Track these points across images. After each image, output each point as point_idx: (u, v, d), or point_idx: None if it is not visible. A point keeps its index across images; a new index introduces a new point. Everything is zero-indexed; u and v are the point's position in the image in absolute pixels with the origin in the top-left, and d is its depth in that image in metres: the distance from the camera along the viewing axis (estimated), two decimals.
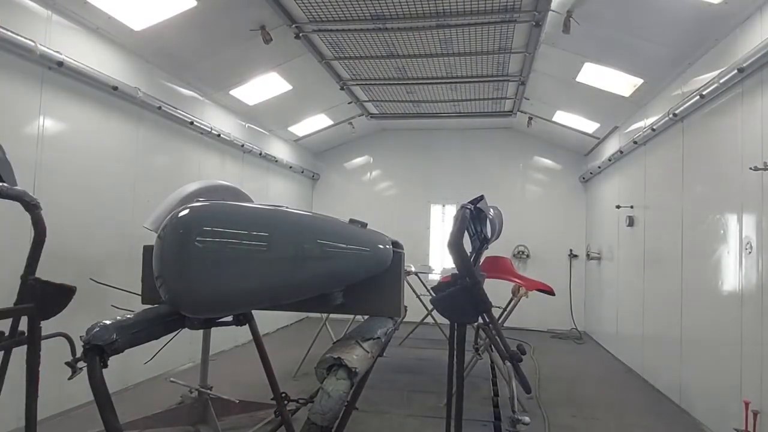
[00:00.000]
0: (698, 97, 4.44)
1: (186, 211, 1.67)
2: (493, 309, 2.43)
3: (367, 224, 1.89)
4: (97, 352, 1.67)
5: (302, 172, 9.61)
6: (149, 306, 2.17)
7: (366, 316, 2.24)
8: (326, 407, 1.47)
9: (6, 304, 2.66)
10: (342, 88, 7.33)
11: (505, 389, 4.54)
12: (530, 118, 8.56)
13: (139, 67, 5.14)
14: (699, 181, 4.67)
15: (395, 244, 1.97)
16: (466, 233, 2.73)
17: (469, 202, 2.97)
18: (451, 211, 10.00)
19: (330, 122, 8.93)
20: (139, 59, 5.13)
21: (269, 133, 8.29)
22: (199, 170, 6.29)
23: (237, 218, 1.72)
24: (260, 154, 7.71)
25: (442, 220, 10.15)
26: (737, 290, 3.88)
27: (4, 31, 3.57)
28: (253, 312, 2.36)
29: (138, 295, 2.74)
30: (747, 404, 3.50)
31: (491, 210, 3.40)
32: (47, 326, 2.79)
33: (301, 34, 5.43)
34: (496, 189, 9.07)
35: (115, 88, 4.63)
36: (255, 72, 6.28)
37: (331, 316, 5.76)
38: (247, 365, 5.74)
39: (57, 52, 4.01)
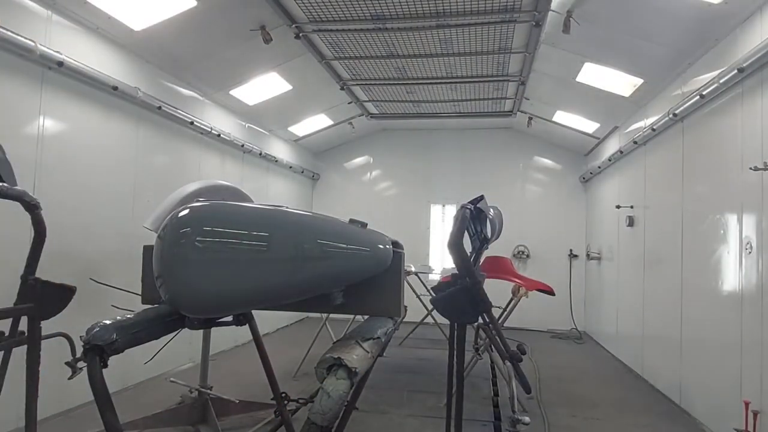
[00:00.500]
0: (698, 97, 4.44)
1: (186, 211, 1.67)
2: (493, 309, 2.43)
3: (367, 224, 1.88)
4: (97, 352, 1.67)
5: (302, 172, 9.61)
6: (149, 306, 2.17)
7: (366, 316, 2.24)
8: (326, 407, 1.47)
9: (6, 304, 2.66)
10: (342, 88, 7.32)
11: (505, 389, 4.54)
12: (530, 118, 8.56)
13: (139, 67, 5.14)
14: (699, 181, 4.67)
15: (395, 244, 1.97)
16: (466, 233, 2.73)
17: (469, 202, 2.97)
18: (451, 211, 10.00)
19: (330, 122, 8.93)
20: (139, 59, 5.13)
21: (269, 133, 8.29)
22: (199, 170, 6.29)
23: (237, 218, 1.72)
24: (260, 154, 7.71)
25: (442, 220, 10.15)
26: (737, 290, 3.88)
27: (4, 31, 3.57)
28: (253, 312, 2.36)
29: (138, 295, 2.74)
30: (747, 404, 3.50)
31: (491, 210, 3.39)
32: (47, 326, 2.79)
33: (301, 34, 5.43)
34: (496, 189, 9.07)
35: (115, 88, 4.63)
36: (255, 72, 6.28)
37: (331, 316, 5.77)
38: (247, 365, 5.74)
39: (57, 52, 4.01)
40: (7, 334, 2.64)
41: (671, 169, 5.28)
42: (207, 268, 1.60)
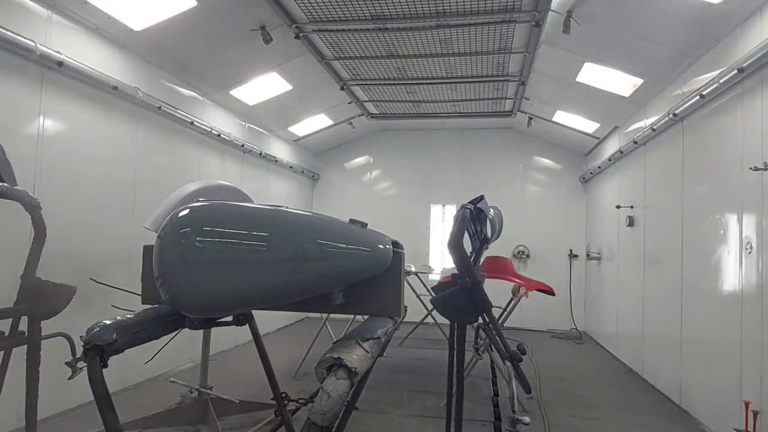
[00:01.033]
0: (698, 97, 4.44)
1: (186, 211, 1.67)
2: (493, 309, 2.43)
3: (367, 224, 1.88)
4: (97, 352, 1.66)
5: (302, 172, 9.61)
6: (149, 306, 2.16)
7: (366, 316, 2.23)
8: (326, 407, 1.47)
9: (6, 304, 2.66)
10: (342, 88, 7.32)
11: (505, 389, 4.53)
12: (530, 118, 8.56)
13: (139, 67, 5.14)
14: (699, 181, 4.67)
15: (395, 244, 1.97)
16: (466, 233, 2.73)
17: (469, 202, 2.97)
18: (451, 211, 10.00)
19: (330, 122, 8.93)
20: (139, 59, 5.13)
21: (269, 133, 8.29)
22: (199, 170, 6.29)
23: (237, 218, 1.72)
24: (260, 154, 7.71)
25: (442, 220, 10.15)
26: (737, 290, 3.88)
27: (4, 31, 3.57)
28: (253, 312, 2.36)
29: (138, 295, 2.74)
30: (747, 404, 3.50)
31: (491, 210, 3.39)
32: (47, 326, 2.79)
33: (301, 34, 5.43)
34: (496, 189, 9.07)
35: (115, 88, 4.63)
36: (255, 72, 6.28)
37: (331, 316, 5.77)
38: (247, 365, 5.74)
39: (57, 52, 4.01)
40: (7, 334, 2.65)
41: (671, 169, 5.27)
42: (207, 268, 1.60)
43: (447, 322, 2.88)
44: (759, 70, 3.66)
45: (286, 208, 1.84)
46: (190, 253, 1.59)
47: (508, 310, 5.55)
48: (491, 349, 4.75)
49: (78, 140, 4.43)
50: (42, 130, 4.06)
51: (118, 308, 2.45)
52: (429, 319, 7.31)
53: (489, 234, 3.37)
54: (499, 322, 4.76)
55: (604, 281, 8.10)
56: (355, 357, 1.64)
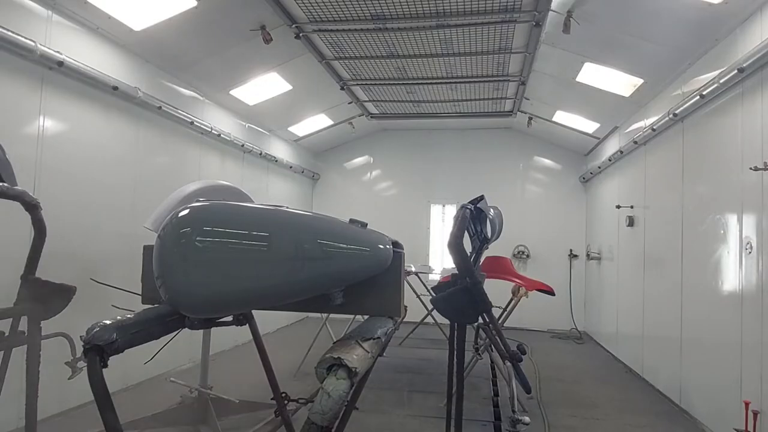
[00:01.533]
0: (698, 97, 4.44)
1: (186, 211, 1.67)
2: (493, 309, 2.43)
3: (367, 224, 1.88)
4: (97, 352, 1.66)
5: (302, 172, 9.61)
6: (149, 306, 2.16)
7: (366, 316, 2.24)
8: (326, 407, 1.47)
9: (6, 304, 2.66)
10: (342, 88, 7.33)
11: (505, 389, 4.54)
12: (530, 118, 8.56)
13: (139, 67, 5.14)
14: (699, 181, 4.67)
15: (395, 244, 1.97)
16: (466, 233, 2.73)
17: (469, 202, 2.97)
18: (451, 211, 10.00)
19: (330, 122, 8.93)
20: (139, 59, 5.13)
21: (269, 133, 8.29)
22: (199, 170, 6.29)
23: (237, 218, 1.72)
24: (260, 154, 7.71)
25: (442, 220, 10.15)
26: (737, 290, 3.88)
27: (4, 31, 3.57)
28: (253, 312, 2.36)
29: (138, 295, 2.74)
30: (747, 404, 3.50)
31: (491, 210, 3.40)
32: (47, 326, 2.79)
33: (301, 34, 5.43)
34: (496, 189, 9.06)
35: (115, 88, 4.63)
36: (255, 72, 6.28)
37: (331, 316, 5.77)
38: (247, 365, 5.74)
39: (57, 52, 4.01)
40: (7, 334, 2.65)
41: (671, 169, 5.27)
42: (207, 268, 1.59)
43: (447, 322, 2.88)
44: (759, 70, 3.66)
45: (287, 208, 1.84)
46: (190, 253, 1.59)
47: (508, 310, 5.55)
48: (491, 349, 4.75)
49: (78, 140, 4.43)
50: (42, 130, 4.06)
51: (118, 308, 2.45)
52: (429, 319, 7.31)
53: (489, 234, 3.37)
54: (499, 322, 4.75)
55: (604, 281, 8.10)
56: (355, 357, 1.64)
